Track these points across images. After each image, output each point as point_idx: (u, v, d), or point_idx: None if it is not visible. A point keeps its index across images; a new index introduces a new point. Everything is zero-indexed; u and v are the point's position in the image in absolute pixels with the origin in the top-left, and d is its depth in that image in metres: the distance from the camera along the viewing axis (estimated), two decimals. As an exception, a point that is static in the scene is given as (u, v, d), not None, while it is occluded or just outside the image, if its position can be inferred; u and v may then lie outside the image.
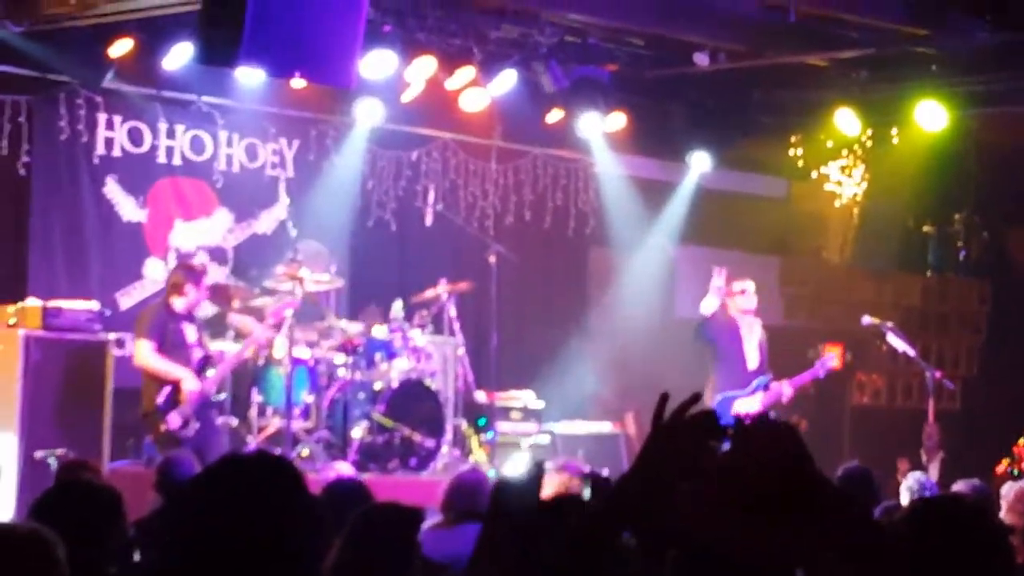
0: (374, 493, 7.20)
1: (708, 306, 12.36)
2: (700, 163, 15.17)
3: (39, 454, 10.35)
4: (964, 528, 3.48)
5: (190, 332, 11.32)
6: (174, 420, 11.00)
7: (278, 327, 11.77)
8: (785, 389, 12.51)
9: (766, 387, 12.45)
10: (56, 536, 3.94)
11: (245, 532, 2.89)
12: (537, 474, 3.80)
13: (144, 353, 11.10)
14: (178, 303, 11.25)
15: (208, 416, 11.26)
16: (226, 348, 11.66)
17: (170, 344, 11.17)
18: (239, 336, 11.94)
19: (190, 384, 11.05)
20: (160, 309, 11.35)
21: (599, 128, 14.30)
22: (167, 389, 11.06)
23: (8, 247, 12.11)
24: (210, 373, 11.26)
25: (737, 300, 12.62)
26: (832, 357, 12.87)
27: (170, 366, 11.09)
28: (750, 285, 12.72)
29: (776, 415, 12.26)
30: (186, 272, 11.50)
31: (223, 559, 2.89)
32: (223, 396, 11.53)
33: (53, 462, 10.24)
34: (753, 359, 12.52)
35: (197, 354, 11.32)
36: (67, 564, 3.89)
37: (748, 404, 12.30)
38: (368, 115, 13.47)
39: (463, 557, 4.27)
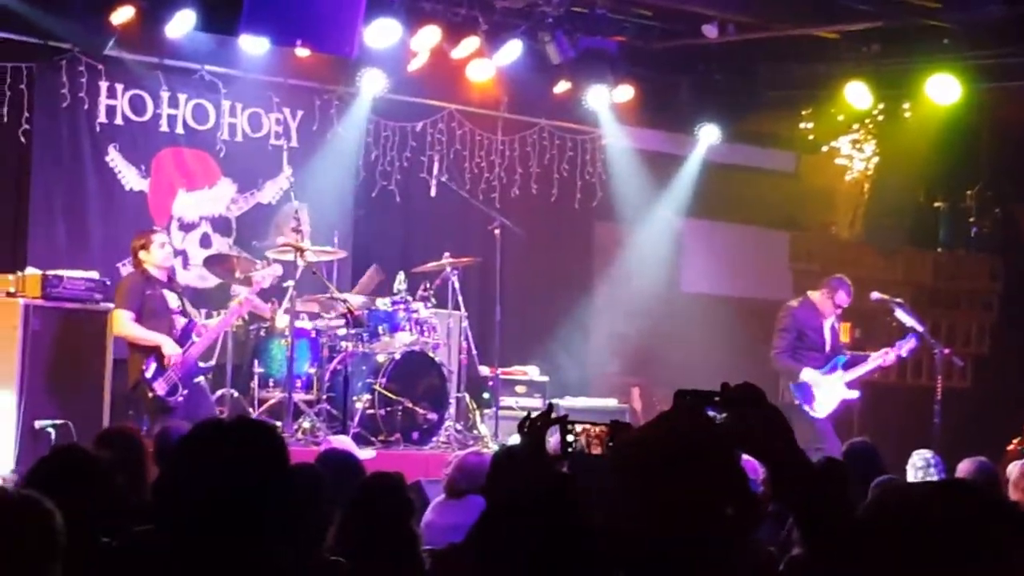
0: (377, 466, 7.13)
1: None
2: (709, 136, 15.02)
3: (39, 424, 10.27)
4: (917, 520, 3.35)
5: (171, 299, 11.21)
6: (160, 386, 10.89)
7: (275, 300, 11.67)
8: (889, 356, 12.62)
9: (845, 365, 12.54)
10: (53, 504, 3.85)
11: (226, 496, 2.80)
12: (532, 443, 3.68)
13: (121, 322, 10.96)
14: (152, 270, 11.14)
15: (197, 384, 11.16)
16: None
17: (150, 311, 11.05)
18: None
19: (169, 348, 10.94)
20: (136, 277, 11.22)
21: (606, 100, 14.19)
22: (152, 359, 10.94)
23: (8, 215, 11.99)
24: (195, 340, 11.15)
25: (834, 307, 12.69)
26: (911, 339, 12.76)
27: (148, 333, 10.97)
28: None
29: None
30: (138, 236, 11.38)
31: (208, 524, 2.80)
32: (211, 364, 11.43)
33: (52, 432, 10.17)
34: (828, 340, 12.68)
35: (180, 321, 11.21)
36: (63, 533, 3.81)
37: (830, 382, 12.42)
38: (372, 85, 13.32)
39: (468, 525, 4.20)
